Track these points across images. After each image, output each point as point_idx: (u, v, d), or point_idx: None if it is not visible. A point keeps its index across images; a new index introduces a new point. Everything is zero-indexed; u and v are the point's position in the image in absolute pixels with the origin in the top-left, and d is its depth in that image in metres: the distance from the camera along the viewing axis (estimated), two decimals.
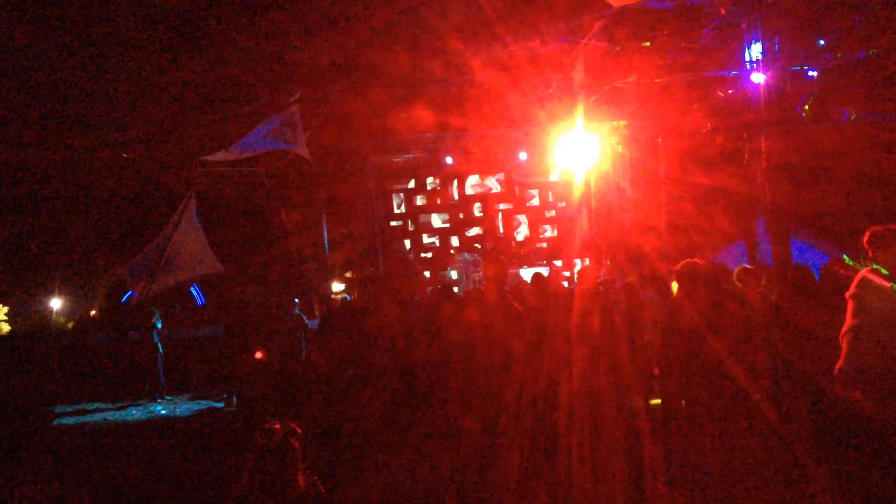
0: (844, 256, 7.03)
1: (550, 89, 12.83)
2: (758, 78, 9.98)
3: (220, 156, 10.82)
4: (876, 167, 13.92)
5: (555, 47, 10.54)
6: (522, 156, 16.39)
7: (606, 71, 11.90)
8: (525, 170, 17.28)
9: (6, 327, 14.11)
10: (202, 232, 11.80)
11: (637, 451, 5.85)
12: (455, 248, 16.80)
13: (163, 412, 9.98)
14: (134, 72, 9.30)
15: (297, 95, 10.81)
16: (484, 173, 17.34)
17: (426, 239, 17.10)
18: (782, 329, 6.62)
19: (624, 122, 15.56)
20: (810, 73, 10.18)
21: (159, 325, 11.03)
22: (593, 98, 13.64)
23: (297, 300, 10.25)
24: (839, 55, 10.53)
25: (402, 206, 17.13)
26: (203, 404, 10.34)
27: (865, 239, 4.89)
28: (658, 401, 6.95)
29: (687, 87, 12.64)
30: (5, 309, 14.28)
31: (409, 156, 16.25)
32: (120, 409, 10.38)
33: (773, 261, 10.53)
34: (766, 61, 9.81)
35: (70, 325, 14.31)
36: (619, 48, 10.54)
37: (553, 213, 17.61)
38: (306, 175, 14.13)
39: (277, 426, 2.99)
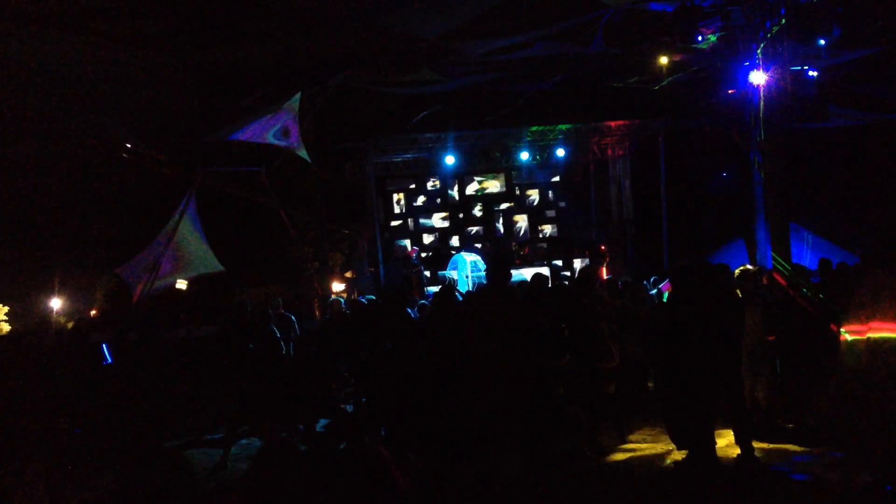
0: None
1: (550, 89, 12.83)
2: (758, 78, 9.97)
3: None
4: (876, 167, 13.93)
5: (554, 48, 10.53)
6: (523, 156, 16.39)
7: (606, 71, 11.90)
8: (525, 170, 17.31)
9: (6, 327, 14.09)
10: (202, 232, 11.79)
11: None
12: (455, 249, 16.81)
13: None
14: (133, 66, 9.24)
15: (298, 95, 10.80)
16: (484, 173, 17.34)
17: (426, 239, 17.11)
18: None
19: (624, 122, 15.57)
20: (810, 73, 10.18)
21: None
22: (593, 98, 13.65)
23: (279, 300, 10.13)
24: (838, 55, 10.54)
25: (402, 206, 17.15)
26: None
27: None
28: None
29: (687, 86, 12.64)
30: (5, 309, 14.26)
31: (409, 156, 16.25)
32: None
33: (773, 261, 10.52)
34: (766, 61, 9.82)
35: (70, 324, 14.30)
36: (618, 49, 10.54)
37: (553, 213, 17.62)
38: (306, 174, 14.11)
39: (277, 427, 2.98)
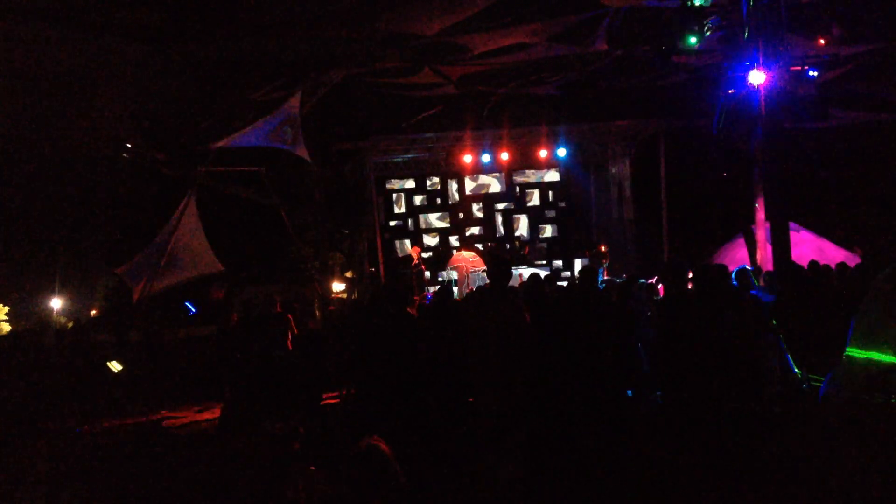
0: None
1: (550, 89, 12.83)
2: (758, 78, 9.97)
3: (220, 143, 10.74)
4: (876, 167, 13.93)
5: (554, 48, 10.53)
6: (523, 155, 16.39)
7: (606, 71, 11.90)
8: (525, 169, 17.31)
9: (6, 327, 14.12)
10: (202, 231, 11.78)
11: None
12: (455, 249, 16.82)
13: None
14: (132, 61, 9.23)
15: (298, 94, 10.79)
16: (484, 173, 17.34)
17: (426, 239, 17.11)
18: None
19: (624, 122, 15.56)
20: (810, 73, 10.17)
21: None
22: (593, 98, 13.65)
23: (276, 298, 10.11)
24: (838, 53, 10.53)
25: (403, 206, 17.16)
26: None
27: None
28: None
29: (687, 86, 12.64)
30: (6, 309, 14.28)
31: (409, 156, 16.26)
32: None
33: (773, 261, 10.52)
34: (766, 61, 9.81)
35: (69, 324, 14.31)
36: (618, 49, 10.54)
37: (553, 213, 17.61)
38: (306, 174, 14.11)
39: (279, 427, 2.99)
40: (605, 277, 13.65)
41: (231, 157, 11.96)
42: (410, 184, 17.12)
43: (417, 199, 17.23)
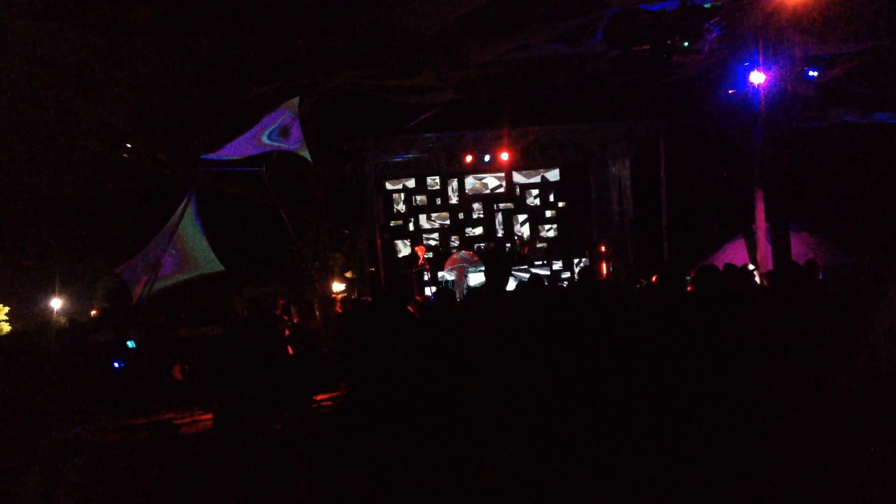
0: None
1: (552, 90, 12.83)
2: (758, 78, 9.98)
3: (221, 152, 10.76)
4: (876, 167, 13.93)
5: (554, 49, 10.52)
6: (523, 155, 16.40)
7: (606, 71, 11.90)
8: (525, 170, 17.32)
9: (6, 327, 14.11)
10: (203, 231, 11.78)
11: None
12: (455, 249, 16.83)
13: None
14: (131, 58, 9.21)
15: (296, 100, 10.80)
16: (484, 173, 17.35)
17: (426, 239, 17.12)
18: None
19: (624, 122, 15.57)
20: (810, 73, 10.18)
21: None
22: (593, 98, 13.65)
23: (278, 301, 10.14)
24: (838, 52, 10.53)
25: (402, 206, 17.17)
26: None
27: None
28: None
29: (687, 86, 12.65)
30: (6, 309, 14.27)
31: (409, 156, 16.26)
32: None
33: (773, 260, 10.54)
34: (767, 61, 9.82)
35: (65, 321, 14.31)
36: (618, 50, 10.54)
37: (553, 213, 17.63)
38: (306, 174, 14.12)
39: (280, 427, 2.99)
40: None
41: (232, 158, 11.96)
42: (410, 184, 17.13)
43: (417, 199, 17.24)
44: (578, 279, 7.25)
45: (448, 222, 17.28)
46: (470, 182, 17.42)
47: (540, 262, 16.48)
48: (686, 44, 9.40)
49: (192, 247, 11.50)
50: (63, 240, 15.53)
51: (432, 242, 17.19)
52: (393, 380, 5.55)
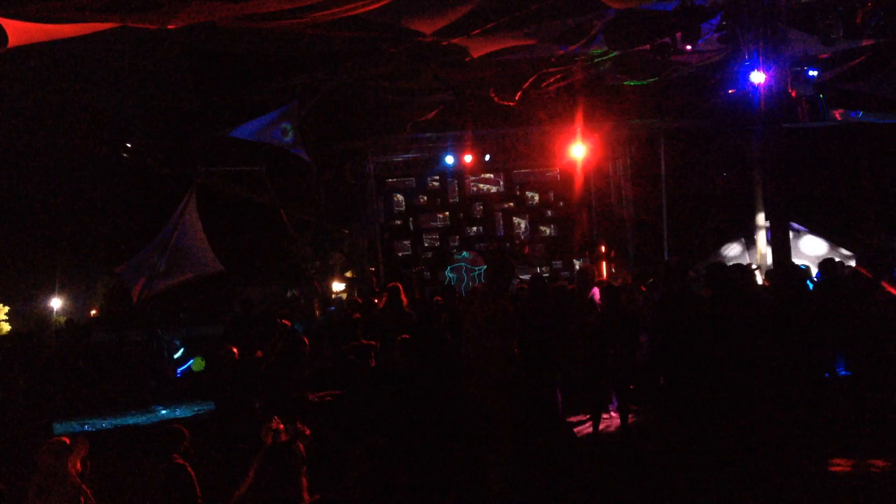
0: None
1: (551, 90, 12.81)
2: (758, 78, 9.97)
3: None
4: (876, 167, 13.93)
5: (554, 49, 10.51)
6: (523, 156, 16.39)
7: (606, 71, 11.89)
8: (525, 170, 17.29)
9: (6, 327, 14.12)
10: (203, 231, 11.79)
11: None
12: (455, 249, 16.82)
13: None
14: (131, 57, 9.19)
15: (296, 100, 10.80)
16: (484, 173, 17.34)
17: (426, 239, 17.12)
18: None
19: (624, 122, 15.55)
20: (810, 73, 10.17)
21: None
22: (593, 98, 13.63)
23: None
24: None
25: (403, 206, 17.15)
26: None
27: None
28: None
29: (687, 86, 12.64)
30: (6, 309, 14.28)
31: (409, 156, 16.25)
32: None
33: (773, 261, 10.52)
34: (766, 61, 9.81)
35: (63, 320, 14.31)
36: (618, 50, 10.53)
37: (553, 213, 17.60)
38: (306, 174, 14.13)
39: (282, 427, 2.99)
40: (605, 278, 13.64)
41: (231, 157, 11.97)
42: (410, 184, 17.12)
43: (417, 200, 17.22)
44: (577, 280, 7.25)
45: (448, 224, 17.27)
46: (470, 182, 17.41)
47: (540, 262, 16.50)
48: (685, 44, 9.38)
49: (191, 247, 11.50)
50: (63, 240, 15.53)
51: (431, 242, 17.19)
52: (393, 379, 5.55)
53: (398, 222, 17.17)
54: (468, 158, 15.91)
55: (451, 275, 15.65)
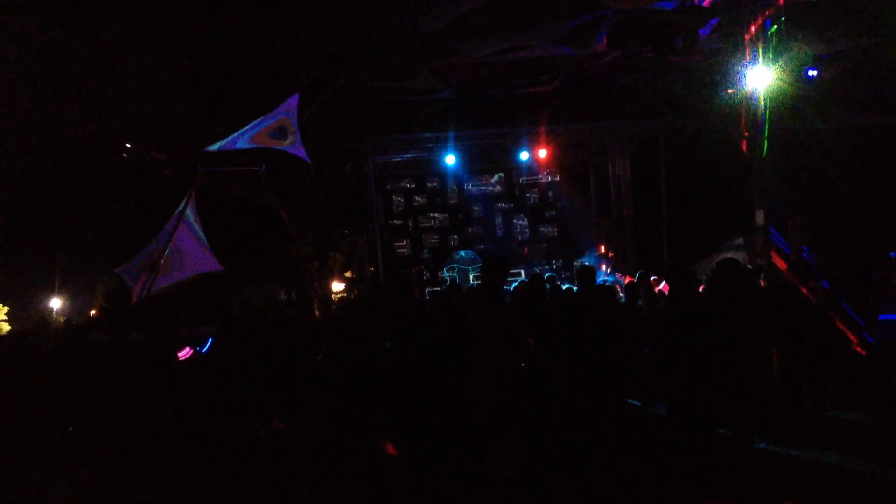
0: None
1: (551, 90, 12.83)
2: (757, 78, 9.97)
3: (218, 145, 10.74)
4: (876, 167, 13.92)
5: (554, 49, 10.52)
6: (523, 155, 16.39)
7: (606, 71, 11.90)
8: (525, 170, 17.31)
9: (6, 327, 14.10)
10: (202, 231, 11.78)
11: None
12: (455, 249, 16.84)
13: None
14: (131, 57, 9.19)
15: (295, 96, 10.78)
16: (484, 173, 17.35)
17: (426, 239, 17.12)
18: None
19: (624, 122, 15.57)
20: (810, 73, 10.17)
21: None
22: (593, 98, 13.65)
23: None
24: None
25: (402, 206, 17.16)
26: None
27: None
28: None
29: (687, 86, 12.64)
30: (5, 309, 14.26)
31: (409, 156, 16.26)
32: None
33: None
34: (766, 61, 9.81)
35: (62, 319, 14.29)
36: (618, 50, 10.54)
37: (553, 213, 17.62)
38: (306, 174, 14.12)
39: (282, 427, 2.99)
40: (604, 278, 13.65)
41: (231, 157, 11.96)
42: (410, 184, 17.13)
43: (417, 200, 17.23)
44: (577, 280, 7.25)
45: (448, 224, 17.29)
46: (470, 182, 17.41)
47: (540, 262, 16.51)
48: (686, 44, 9.39)
49: (191, 247, 11.50)
50: (63, 240, 15.52)
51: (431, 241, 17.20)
52: (395, 377, 5.55)
53: (398, 222, 17.19)
54: (468, 158, 15.92)
55: (450, 275, 15.65)
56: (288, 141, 11.11)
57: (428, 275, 16.36)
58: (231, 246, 13.46)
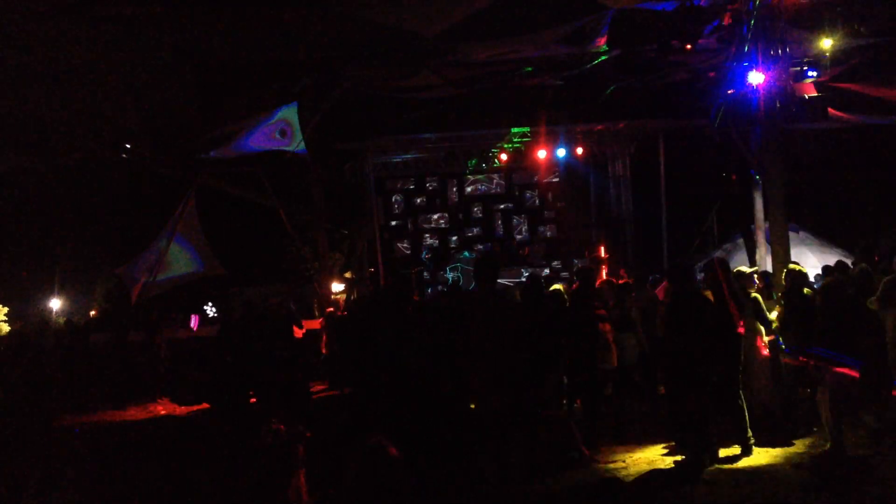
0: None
1: (551, 90, 12.82)
2: (758, 78, 9.96)
3: (218, 152, 10.75)
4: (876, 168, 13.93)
5: (554, 49, 10.51)
6: (523, 156, 16.40)
7: (607, 72, 11.89)
8: (525, 170, 17.31)
9: (6, 327, 14.11)
10: (202, 232, 11.78)
11: None
12: (454, 248, 16.84)
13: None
14: (131, 58, 9.17)
15: (295, 102, 10.79)
16: (483, 173, 17.35)
17: (426, 239, 17.13)
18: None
19: (624, 122, 15.56)
20: (810, 73, 10.16)
21: None
22: (593, 98, 13.63)
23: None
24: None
25: (402, 206, 17.16)
26: None
27: None
28: None
29: (687, 86, 12.63)
30: (5, 309, 14.28)
31: (409, 156, 16.26)
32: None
33: (773, 261, 10.53)
34: (766, 61, 9.80)
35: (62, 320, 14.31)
36: (619, 50, 10.52)
37: (552, 213, 17.62)
38: (306, 174, 14.12)
39: (282, 427, 2.99)
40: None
41: (231, 158, 11.96)
42: (410, 184, 17.13)
43: (417, 200, 17.23)
44: (577, 280, 7.24)
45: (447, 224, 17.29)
46: (469, 182, 17.42)
47: (540, 263, 16.51)
48: (685, 44, 9.38)
49: (191, 247, 11.51)
50: (63, 240, 15.53)
51: (432, 242, 17.20)
52: (393, 377, 5.56)
53: (397, 223, 17.18)
54: (468, 158, 15.94)
55: (452, 275, 15.66)
56: (289, 142, 11.11)
57: (428, 275, 16.35)
58: (231, 246, 13.48)
